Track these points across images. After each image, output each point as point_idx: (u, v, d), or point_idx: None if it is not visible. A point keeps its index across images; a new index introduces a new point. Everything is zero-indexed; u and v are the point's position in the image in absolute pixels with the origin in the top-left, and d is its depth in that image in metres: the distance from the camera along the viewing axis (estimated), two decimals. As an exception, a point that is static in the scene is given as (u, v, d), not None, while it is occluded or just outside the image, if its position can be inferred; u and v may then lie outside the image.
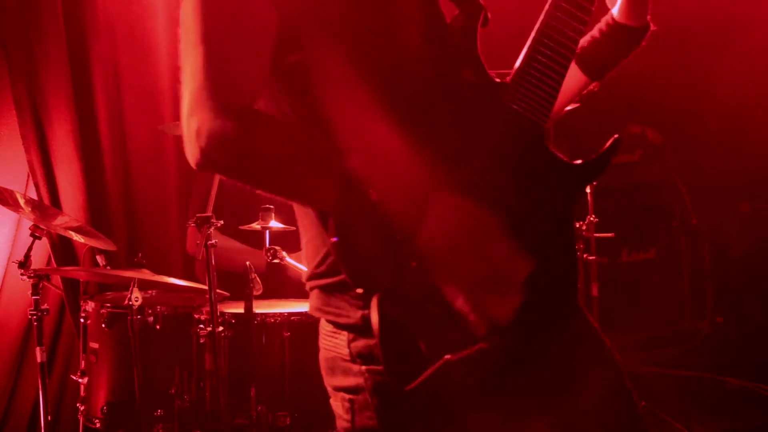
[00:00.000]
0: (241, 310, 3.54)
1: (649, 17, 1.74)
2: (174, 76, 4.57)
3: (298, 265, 3.49)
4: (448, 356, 1.32)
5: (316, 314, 1.56)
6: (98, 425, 3.54)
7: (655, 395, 4.57)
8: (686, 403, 4.73)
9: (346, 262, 1.32)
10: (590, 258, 4.23)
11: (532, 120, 1.51)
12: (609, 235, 4.30)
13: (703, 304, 5.70)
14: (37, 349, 3.45)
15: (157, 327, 3.56)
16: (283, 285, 3.83)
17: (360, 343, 1.45)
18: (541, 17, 1.55)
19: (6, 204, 3.48)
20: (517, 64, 1.55)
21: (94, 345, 3.60)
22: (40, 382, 3.44)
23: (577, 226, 4.25)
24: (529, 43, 1.55)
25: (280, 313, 3.49)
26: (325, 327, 1.55)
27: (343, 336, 1.48)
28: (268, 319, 3.50)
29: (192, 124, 1.35)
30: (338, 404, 1.52)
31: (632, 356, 4.93)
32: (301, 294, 3.73)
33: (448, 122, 1.51)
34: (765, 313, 5.39)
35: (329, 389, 1.56)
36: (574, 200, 1.61)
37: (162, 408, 3.49)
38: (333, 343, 1.51)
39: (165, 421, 3.48)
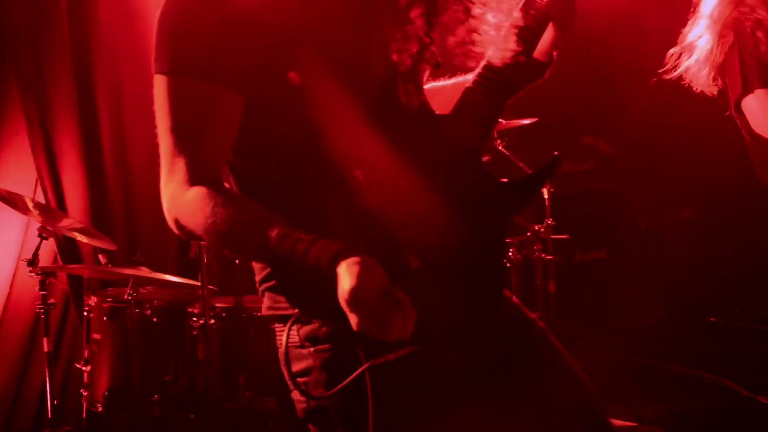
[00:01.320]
0: (231, 305, 3.55)
1: (555, 53, 1.75)
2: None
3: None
4: (371, 361, 1.37)
5: (268, 313, 1.58)
6: (100, 409, 3.53)
7: (606, 382, 4.59)
8: (634, 388, 4.75)
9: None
10: (547, 257, 4.24)
11: (469, 146, 1.52)
12: (564, 236, 4.32)
13: (647, 298, 5.74)
14: (44, 339, 3.44)
15: (154, 320, 3.55)
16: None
17: (306, 328, 1.50)
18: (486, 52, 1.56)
19: (16, 207, 3.47)
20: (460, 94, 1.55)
21: (97, 336, 3.59)
22: (47, 369, 3.43)
23: (536, 228, 4.25)
24: (474, 75, 1.56)
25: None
26: (278, 326, 1.57)
27: (294, 327, 1.51)
28: (255, 313, 3.50)
29: (164, 201, 1.46)
30: (295, 390, 1.53)
31: (585, 346, 4.95)
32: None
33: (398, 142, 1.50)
34: (702, 307, 5.43)
35: (290, 382, 1.55)
36: (502, 221, 1.58)
37: (158, 393, 3.47)
38: (285, 336, 1.54)
39: (161, 405, 3.46)
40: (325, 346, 1.48)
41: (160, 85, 1.44)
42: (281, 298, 1.54)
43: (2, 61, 4.11)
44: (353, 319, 1.27)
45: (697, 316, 5.40)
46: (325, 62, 1.45)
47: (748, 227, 5.19)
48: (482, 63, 1.57)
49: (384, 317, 1.26)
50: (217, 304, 3.59)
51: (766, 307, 4.95)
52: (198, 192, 1.41)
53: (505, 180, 1.56)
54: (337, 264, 1.30)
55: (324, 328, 1.48)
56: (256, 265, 1.60)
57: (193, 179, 1.42)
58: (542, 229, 4.22)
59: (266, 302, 1.59)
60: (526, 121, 4.09)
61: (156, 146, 4.48)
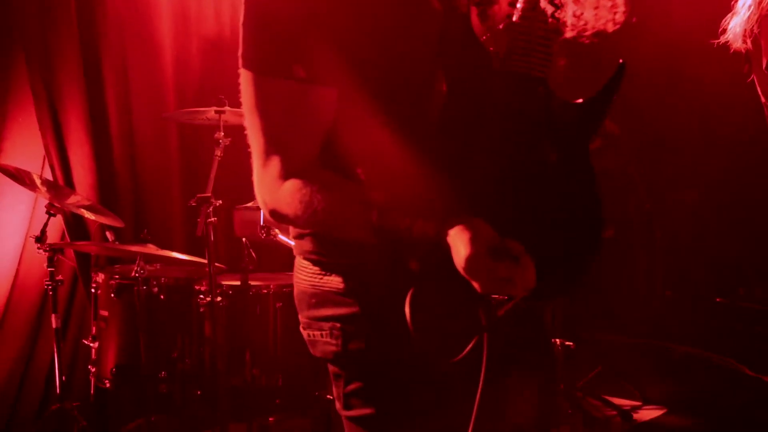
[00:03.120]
0: (238, 282, 3.55)
1: None
2: (178, 69, 4.57)
3: (289, 241, 3.50)
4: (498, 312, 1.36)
5: (309, 257, 1.59)
6: (108, 385, 3.55)
7: (611, 360, 4.61)
8: (638, 367, 4.77)
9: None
10: None
11: (531, 75, 1.47)
12: None
13: (653, 279, 5.75)
14: (53, 315, 3.46)
15: (161, 297, 3.56)
16: (275, 259, 3.84)
17: (356, 278, 1.53)
18: None
19: (24, 184, 3.47)
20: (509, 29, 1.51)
21: (104, 313, 3.60)
22: (55, 346, 3.45)
23: None
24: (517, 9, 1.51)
25: (273, 285, 3.50)
26: (310, 268, 1.59)
27: (336, 275, 1.54)
28: (261, 291, 3.51)
29: (259, 197, 1.49)
30: (323, 332, 1.57)
31: (591, 326, 4.97)
32: (290, 268, 3.75)
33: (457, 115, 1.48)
34: (708, 288, 5.44)
35: (307, 320, 1.61)
36: (586, 142, 1.52)
37: (165, 370, 3.49)
38: (323, 280, 1.56)
39: (168, 382, 3.48)
40: (374, 297, 1.50)
41: (249, 83, 1.46)
42: (328, 245, 1.55)
43: (9, 37, 4.09)
44: (476, 285, 1.30)
45: (703, 297, 5.41)
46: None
47: (754, 208, 5.19)
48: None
49: (504, 276, 1.29)
50: (224, 282, 3.59)
51: None
52: (293, 184, 1.43)
53: (579, 101, 1.52)
54: (445, 234, 1.32)
55: (375, 281, 1.50)
56: None
57: (287, 174, 1.44)
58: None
59: (305, 246, 1.59)
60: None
61: (163, 122, 4.49)
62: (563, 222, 1.48)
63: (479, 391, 1.39)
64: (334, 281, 1.54)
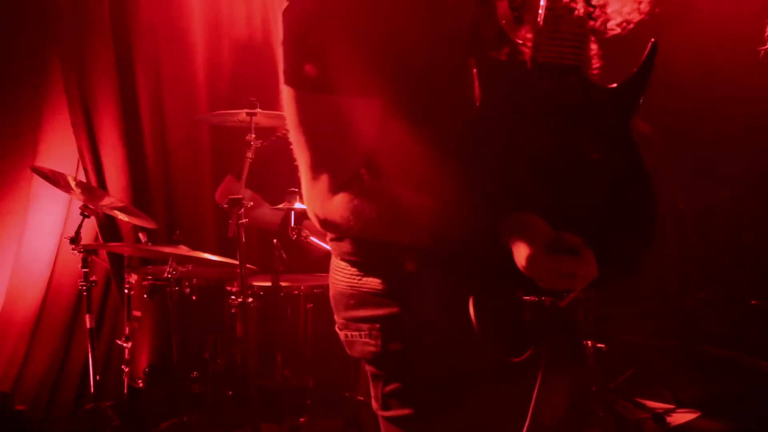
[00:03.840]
0: (269, 283, 3.56)
1: None
2: (209, 71, 4.59)
3: (321, 243, 3.51)
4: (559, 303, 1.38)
5: (346, 258, 1.60)
6: (141, 385, 3.57)
7: (644, 363, 4.56)
8: (672, 370, 4.72)
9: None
10: None
11: (564, 65, 1.47)
12: None
13: (687, 280, 5.68)
14: (87, 316, 3.48)
15: (193, 298, 3.57)
16: (306, 260, 3.85)
17: (397, 280, 1.53)
18: None
19: (59, 186, 3.51)
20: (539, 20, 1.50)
21: (137, 313, 3.62)
22: (89, 345, 3.48)
23: None
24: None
25: (304, 286, 3.51)
26: (348, 269, 1.60)
27: (374, 278, 1.55)
28: (292, 292, 3.52)
29: (310, 210, 1.51)
30: (362, 333, 1.58)
31: (623, 328, 4.92)
32: (321, 269, 3.76)
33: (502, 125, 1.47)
34: (743, 289, 5.36)
35: (342, 321, 1.62)
36: (627, 126, 1.50)
37: (197, 370, 3.51)
38: (362, 281, 1.57)
39: (200, 382, 3.50)
40: (417, 299, 1.51)
41: (292, 99, 1.47)
42: (369, 247, 1.56)
43: (44, 42, 4.14)
44: (540, 283, 1.31)
45: (737, 299, 5.33)
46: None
47: None
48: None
49: (568, 271, 1.29)
50: (255, 283, 3.60)
51: None
52: (343, 197, 1.45)
53: (614, 85, 1.51)
54: (502, 233, 1.34)
55: (418, 283, 1.50)
56: None
57: (337, 187, 1.46)
58: None
59: (344, 247, 1.60)
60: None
61: (195, 124, 4.51)
62: (613, 207, 1.46)
63: (537, 385, 1.43)
64: (373, 282, 1.55)
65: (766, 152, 5.16)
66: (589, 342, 4.01)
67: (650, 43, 1.51)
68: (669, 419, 3.90)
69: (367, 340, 1.56)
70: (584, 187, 1.45)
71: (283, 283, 3.54)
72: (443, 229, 1.40)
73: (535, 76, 1.46)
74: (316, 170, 1.47)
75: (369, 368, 1.60)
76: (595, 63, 1.56)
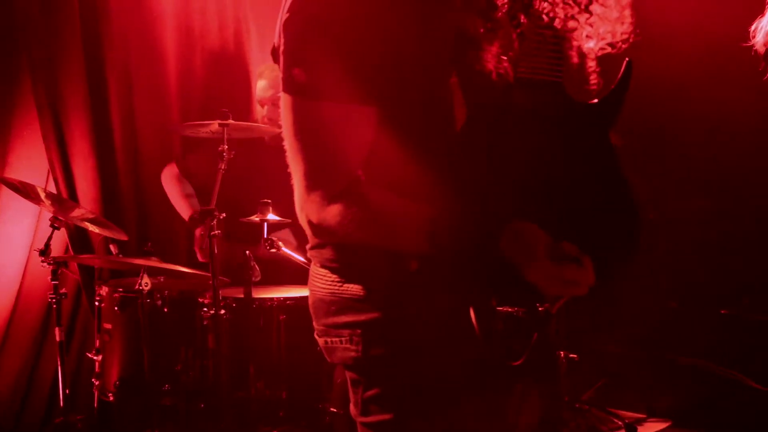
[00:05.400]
0: (241, 295, 3.54)
1: None
2: (182, 82, 4.58)
3: (294, 255, 3.50)
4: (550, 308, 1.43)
5: (328, 264, 1.62)
6: (111, 398, 3.55)
7: (616, 372, 4.60)
8: (644, 380, 4.76)
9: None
10: None
11: (544, 80, 1.53)
12: None
13: (658, 290, 5.74)
14: (56, 329, 3.46)
15: (165, 310, 3.56)
16: (279, 272, 3.84)
17: (374, 284, 1.55)
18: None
19: (28, 197, 3.49)
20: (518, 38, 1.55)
21: (108, 326, 3.60)
22: (59, 358, 3.45)
23: None
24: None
25: (277, 298, 3.50)
26: (329, 276, 1.61)
27: (355, 285, 1.56)
28: (265, 303, 3.51)
29: (303, 217, 1.52)
30: (342, 339, 1.59)
31: (595, 337, 4.96)
32: (294, 281, 3.75)
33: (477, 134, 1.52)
34: (714, 299, 5.42)
35: (322, 328, 1.63)
36: (605, 139, 1.59)
37: (169, 383, 3.49)
38: (342, 288, 1.58)
39: (172, 395, 3.48)
40: (397, 305, 1.53)
41: (289, 107, 1.48)
42: (349, 254, 1.58)
43: (14, 50, 4.11)
44: (545, 291, 1.37)
45: (707, 308, 5.39)
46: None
47: (761, 217, 5.18)
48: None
49: (570, 279, 1.35)
50: (228, 295, 3.59)
51: None
52: (340, 206, 1.47)
53: (593, 101, 1.58)
54: (503, 242, 1.36)
55: (399, 290, 1.53)
56: None
57: (333, 196, 1.47)
58: None
59: (325, 254, 1.62)
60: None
61: (167, 135, 4.50)
62: (597, 216, 1.53)
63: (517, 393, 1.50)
64: (355, 288, 1.57)
65: (736, 161, 5.24)
66: (561, 352, 4.04)
67: (625, 62, 1.58)
68: (640, 428, 3.94)
69: (348, 345, 1.57)
70: (570, 196, 1.51)
71: (255, 295, 3.52)
72: (440, 237, 1.41)
73: (515, 90, 1.51)
74: (311, 178, 1.48)
75: (349, 374, 1.62)
76: (575, 78, 1.60)
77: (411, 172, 1.51)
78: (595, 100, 1.57)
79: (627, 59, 1.59)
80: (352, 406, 1.63)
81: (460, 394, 1.53)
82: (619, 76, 1.59)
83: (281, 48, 1.50)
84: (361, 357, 1.57)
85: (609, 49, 1.64)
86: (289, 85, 1.48)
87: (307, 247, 1.68)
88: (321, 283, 1.63)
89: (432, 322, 1.49)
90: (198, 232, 3.77)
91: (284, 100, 1.49)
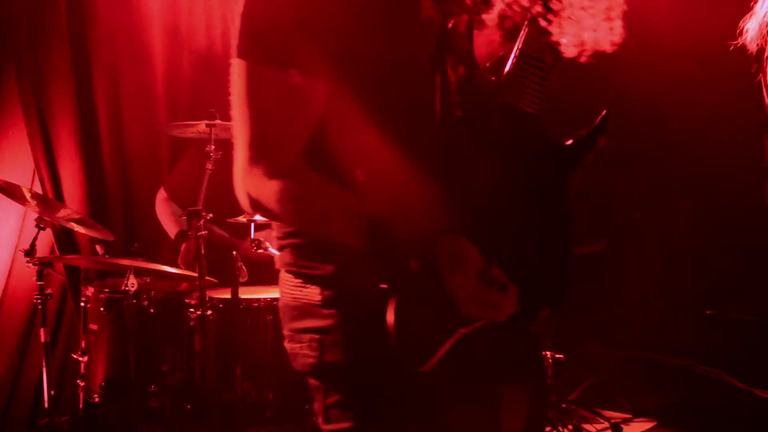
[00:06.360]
0: (228, 296, 3.53)
1: None
2: (169, 82, 4.58)
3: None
4: (461, 330, 1.39)
5: (288, 269, 1.60)
6: (97, 399, 3.53)
7: (603, 373, 4.63)
8: (629, 380, 4.79)
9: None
10: None
11: (524, 110, 1.52)
12: None
13: (644, 291, 5.78)
14: (42, 330, 3.47)
15: (151, 310, 3.54)
16: (266, 273, 3.84)
17: (331, 291, 1.53)
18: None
19: (14, 198, 3.49)
20: (509, 63, 1.56)
21: (94, 326, 3.59)
22: (44, 360, 3.46)
23: None
24: (518, 44, 1.56)
25: (264, 299, 3.50)
26: (292, 280, 1.59)
27: (314, 287, 1.54)
28: (252, 304, 3.51)
29: (243, 189, 1.47)
30: (302, 345, 1.57)
31: (582, 338, 4.99)
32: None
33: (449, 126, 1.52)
34: (699, 299, 5.47)
35: (290, 333, 1.61)
36: (566, 180, 1.59)
37: (155, 384, 3.47)
38: (302, 293, 1.56)
39: (158, 396, 3.47)
40: (348, 310, 1.51)
41: (242, 72, 1.45)
42: (306, 258, 1.56)
43: (0, 52, 4.12)
44: (463, 309, 1.35)
45: (693, 308, 5.44)
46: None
47: (745, 218, 5.23)
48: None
49: (491, 303, 1.34)
50: (215, 295, 3.58)
51: (760, 298, 4.99)
52: (282, 182, 1.43)
53: (566, 142, 1.58)
54: (436, 253, 1.36)
55: (350, 294, 1.51)
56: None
57: (276, 170, 1.44)
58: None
59: (285, 258, 1.61)
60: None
61: (154, 135, 4.49)
62: (539, 254, 1.53)
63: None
64: (313, 293, 1.55)
65: (720, 162, 5.28)
66: (548, 353, 4.06)
67: (603, 113, 1.58)
68: (626, 428, 3.97)
69: (308, 351, 1.56)
70: (520, 224, 1.51)
71: (242, 296, 3.52)
72: (377, 234, 1.40)
73: (494, 109, 1.52)
74: (255, 147, 1.45)
75: (311, 381, 1.60)
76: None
77: (365, 162, 1.49)
78: (569, 142, 1.58)
79: (605, 111, 1.59)
80: (318, 414, 1.61)
81: (420, 400, 1.51)
82: (595, 123, 1.59)
83: (239, 12, 1.47)
84: (318, 363, 1.55)
85: (591, 59, 1.61)
86: (242, 49, 1.45)
87: (276, 248, 1.68)
88: (285, 287, 1.62)
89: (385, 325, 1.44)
90: (183, 247, 3.78)
91: (236, 66, 1.46)
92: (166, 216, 4.11)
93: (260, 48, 1.43)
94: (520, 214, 1.52)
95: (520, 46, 1.55)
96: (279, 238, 1.63)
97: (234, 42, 1.47)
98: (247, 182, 1.46)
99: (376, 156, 1.46)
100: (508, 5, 1.52)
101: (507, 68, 1.55)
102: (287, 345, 1.63)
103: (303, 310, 1.56)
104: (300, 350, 1.58)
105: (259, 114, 1.45)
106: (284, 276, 1.63)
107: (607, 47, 1.54)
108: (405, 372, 1.40)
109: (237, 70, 1.46)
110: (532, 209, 1.54)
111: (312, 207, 1.46)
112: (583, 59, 1.57)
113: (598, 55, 1.58)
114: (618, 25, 1.55)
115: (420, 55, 1.51)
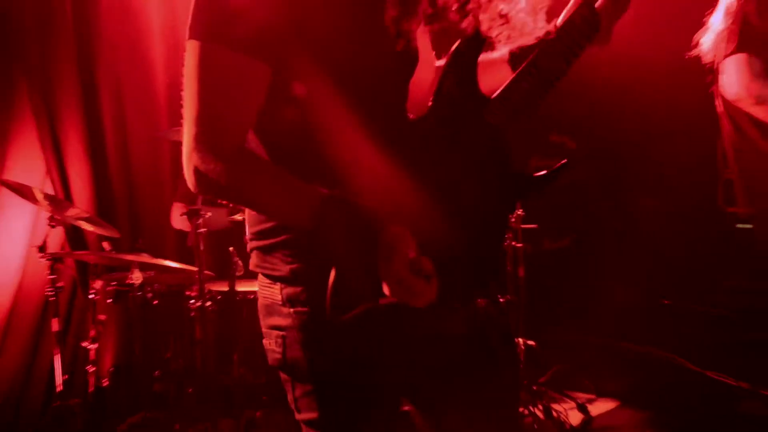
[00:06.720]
0: (226, 288, 3.59)
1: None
2: (170, 89, 4.58)
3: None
4: (380, 300, 1.36)
5: (256, 270, 1.59)
6: (106, 384, 3.57)
7: (568, 358, 4.64)
8: (593, 364, 4.81)
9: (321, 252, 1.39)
10: (518, 245, 4.18)
11: (503, 132, 1.52)
12: (533, 226, 4.28)
13: (609, 283, 5.80)
14: (54, 320, 3.47)
15: (155, 302, 3.59)
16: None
17: (289, 290, 1.52)
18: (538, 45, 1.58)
19: (26, 198, 3.49)
20: (507, 80, 1.54)
21: (102, 317, 3.62)
22: (56, 347, 3.46)
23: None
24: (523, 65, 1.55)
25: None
26: (263, 280, 1.58)
27: (277, 286, 1.53)
28: (248, 296, 3.55)
29: (189, 165, 1.41)
30: (272, 341, 1.56)
31: (550, 326, 5.00)
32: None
33: (425, 131, 1.50)
34: (657, 291, 5.47)
35: (264, 329, 1.59)
36: (512, 204, 1.60)
37: (159, 369, 3.52)
38: (269, 292, 1.56)
39: (162, 380, 3.51)
40: (304, 309, 1.50)
41: (193, 50, 1.40)
42: (269, 259, 1.55)
43: (11, 61, 4.13)
44: (386, 289, 1.32)
45: (652, 299, 5.46)
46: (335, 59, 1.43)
47: (698, 218, 5.28)
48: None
49: (413, 289, 1.32)
50: (213, 288, 3.62)
51: (711, 290, 5.03)
52: (227, 161, 1.39)
53: (523, 173, 1.57)
54: (375, 240, 1.33)
55: (305, 293, 1.50)
56: (249, 222, 1.61)
57: (222, 149, 1.39)
58: (513, 219, 4.16)
59: (253, 260, 1.60)
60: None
61: (156, 139, 4.48)
62: (471, 256, 1.52)
63: None
64: (275, 292, 1.54)
65: (679, 165, 5.33)
66: (520, 340, 4.12)
67: (561, 162, 1.58)
68: (591, 407, 4.00)
69: (274, 347, 1.55)
70: (461, 221, 1.50)
71: (239, 288, 3.57)
72: (326, 216, 1.36)
73: (469, 124, 1.52)
74: (202, 125, 1.39)
75: (282, 375, 1.58)
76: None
77: (314, 151, 1.45)
78: (528, 173, 1.57)
79: (564, 161, 1.58)
80: (291, 406, 1.59)
81: (379, 394, 1.51)
82: (552, 169, 1.57)
83: None
84: (282, 359, 1.54)
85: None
86: (194, 30, 1.41)
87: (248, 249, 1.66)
88: (259, 286, 1.61)
89: (346, 325, 1.39)
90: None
91: (189, 47, 1.41)
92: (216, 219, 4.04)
93: (210, 28, 1.39)
94: (466, 217, 1.50)
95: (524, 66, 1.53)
96: (249, 240, 1.61)
97: (187, 23, 1.42)
98: (194, 158, 1.40)
99: (339, 147, 1.43)
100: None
101: (507, 83, 1.53)
102: (264, 341, 1.61)
103: (270, 309, 1.56)
104: (269, 346, 1.57)
105: (206, 92, 1.39)
106: (259, 276, 1.61)
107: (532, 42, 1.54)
108: (333, 321, 1.36)
109: (189, 50, 1.41)
110: (477, 217, 1.53)
111: (256, 184, 1.41)
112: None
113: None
114: (542, 20, 1.54)
115: (384, 50, 1.47)
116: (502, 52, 1.74)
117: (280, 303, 1.53)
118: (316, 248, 1.41)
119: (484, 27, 1.52)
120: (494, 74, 1.70)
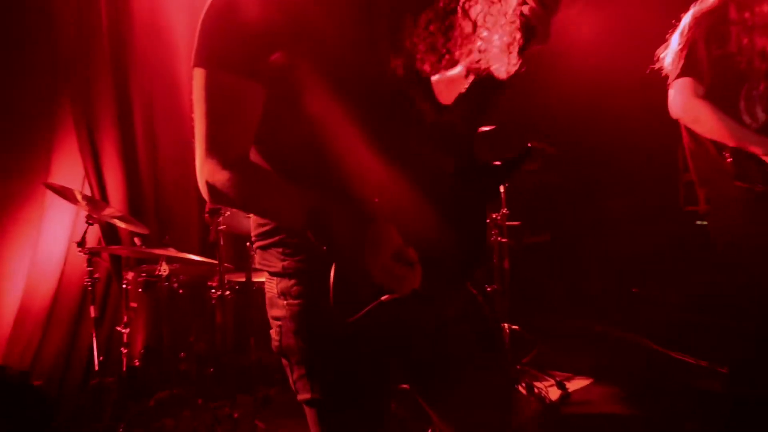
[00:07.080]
0: (243, 279, 3.59)
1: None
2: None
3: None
4: (383, 298, 1.34)
5: (259, 266, 1.60)
6: (137, 364, 3.59)
7: (548, 340, 4.63)
8: (570, 345, 4.82)
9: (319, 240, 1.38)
10: (503, 240, 4.21)
11: (463, 132, 1.51)
12: (516, 223, 4.29)
13: (584, 272, 5.80)
14: (91, 307, 3.47)
15: (180, 291, 3.59)
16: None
17: (282, 285, 1.52)
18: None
19: (67, 199, 3.50)
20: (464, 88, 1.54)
21: (134, 304, 3.63)
22: (93, 331, 3.47)
23: (494, 216, 4.17)
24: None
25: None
26: (266, 275, 1.59)
27: (274, 281, 1.54)
28: (263, 286, 3.54)
29: (201, 178, 1.45)
30: (272, 330, 1.56)
31: (532, 311, 5.00)
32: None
33: (397, 128, 1.49)
34: (627, 280, 5.47)
35: (270, 320, 1.58)
36: (487, 193, 1.55)
37: (184, 351, 3.52)
38: (269, 286, 1.56)
39: (186, 361, 3.52)
40: (296, 301, 1.50)
41: (198, 77, 1.43)
42: (266, 257, 1.56)
43: (57, 81, 4.14)
44: (374, 278, 1.32)
45: (623, 287, 5.47)
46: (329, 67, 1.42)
47: (662, 215, 5.28)
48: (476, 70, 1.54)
49: (397, 275, 1.31)
50: (232, 279, 3.63)
51: (675, 279, 5.03)
52: (232, 173, 1.40)
53: (494, 163, 1.54)
54: (364, 236, 1.33)
55: (296, 287, 1.50)
56: (252, 225, 1.61)
57: (227, 162, 1.41)
58: (499, 217, 4.19)
59: (256, 257, 1.61)
60: (486, 128, 4.09)
61: (183, 146, 4.47)
62: (456, 240, 1.49)
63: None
64: (273, 286, 1.55)
65: (645, 169, 5.32)
66: (505, 324, 4.13)
67: (526, 148, 1.55)
68: (568, 384, 4.01)
69: (274, 336, 1.55)
70: (441, 217, 1.47)
71: (255, 279, 3.57)
72: (320, 217, 1.36)
73: (439, 129, 1.51)
74: (209, 142, 1.42)
75: (282, 360, 1.58)
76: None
77: (309, 160, 1.45)
78: (497, 163, 1.54)
79: (529, 145, 1.57)
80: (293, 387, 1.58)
81: (373, 383, 1.49)
82: (519, 153, 1.55)
83: (198, 24, 1.45)
84: (279, 345, 1.54)
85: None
86: (197, 57, 1.43)
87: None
88: (265, 279, 1.60)
89: (337, 317, 1.36)
90: None
91: (196, 74, 1.44)
92: (236, 222, 4.02)
93: (211, 56, 1.42)
94: (446, 213, 1.48)
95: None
96: (253, 241, 1.62)
97: (193, 51, 1.44)
98: (204, 171, 1.43)
99: (332, 151, 1.42)
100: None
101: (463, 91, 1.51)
102: (270, 331, 1.61)
103: (271, 301, 1.56)
104: (272, 334, 1.57)
105: (211, 113, 1.42)
106: (265, 273, 1.61)
107: (503, 75, 1.51)
108: (337, 321, 1.35)
109: (196, 77, 1.44)
110: (457, 210, 1.50)
111: (259, 192, 1.42)
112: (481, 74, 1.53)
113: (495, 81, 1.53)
114: (515, 51, 1.50)
115: (372, 55, 1.47)
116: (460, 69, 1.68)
117: (277, 296, 1.53)
118: (307, 247, 1.41)
119: (460, 59, 1.51)
120: (455, 88, 1.65)
